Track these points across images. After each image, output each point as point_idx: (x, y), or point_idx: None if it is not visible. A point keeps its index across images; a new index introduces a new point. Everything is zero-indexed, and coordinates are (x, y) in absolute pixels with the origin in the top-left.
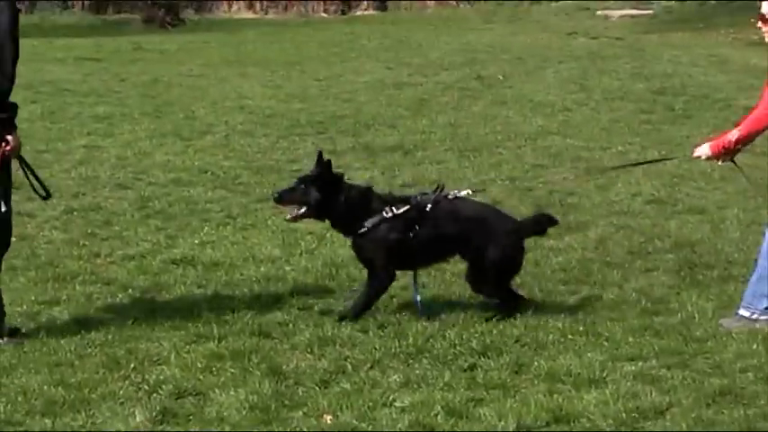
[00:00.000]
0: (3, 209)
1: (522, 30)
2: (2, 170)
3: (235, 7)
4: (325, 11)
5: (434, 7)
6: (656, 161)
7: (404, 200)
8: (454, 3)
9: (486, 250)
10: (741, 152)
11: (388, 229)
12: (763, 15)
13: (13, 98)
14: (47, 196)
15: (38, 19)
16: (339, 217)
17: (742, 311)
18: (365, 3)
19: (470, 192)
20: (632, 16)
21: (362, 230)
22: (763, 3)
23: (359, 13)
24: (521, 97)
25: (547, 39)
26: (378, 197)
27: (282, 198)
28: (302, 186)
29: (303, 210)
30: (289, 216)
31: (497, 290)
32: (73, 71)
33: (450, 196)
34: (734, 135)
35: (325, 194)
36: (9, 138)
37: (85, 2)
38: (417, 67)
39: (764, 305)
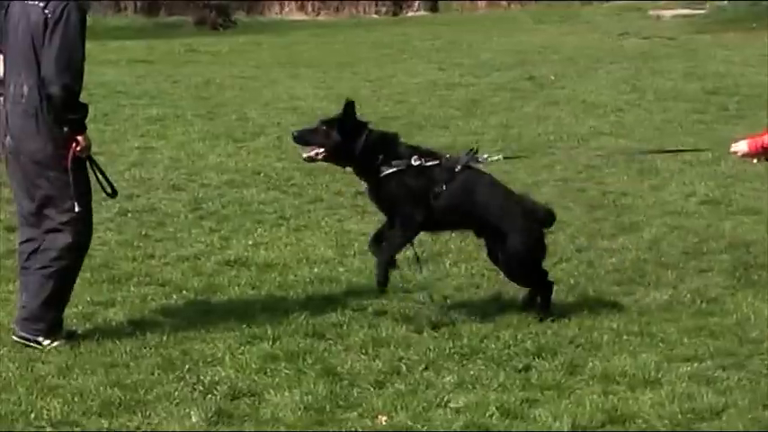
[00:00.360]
0: (76, 209)
1: (573, 30)
2: (76, 171)
3: (286, 9)
4: (377, 12)
5: (485, 8)
6: (686, 151)
7: (433, 155)
8: (505, 3)
9: (504, 236)
10: None
11: (414, 176)
12: None
13: (80, 99)
14: (113, 194)
15: (90, 21)
16: (361, 160)
17: None
18: (416, 4)
19: (502, 157)
20: (684, 16)
21: (387, 173)
22: None
23: (410, 14)
24: (572, 98)
25: (598, 39)
26: (405, 144)
27: (301, 138)
28: (323, 128)
29: (321, 151)
30: (305, 155)
31: (524, 278)
32: (126, 73)
33: (481, 160)
34: None
35: (346, 138)
36: (80, 138)
37: (137, 4)
38: (469, 67)
39: None
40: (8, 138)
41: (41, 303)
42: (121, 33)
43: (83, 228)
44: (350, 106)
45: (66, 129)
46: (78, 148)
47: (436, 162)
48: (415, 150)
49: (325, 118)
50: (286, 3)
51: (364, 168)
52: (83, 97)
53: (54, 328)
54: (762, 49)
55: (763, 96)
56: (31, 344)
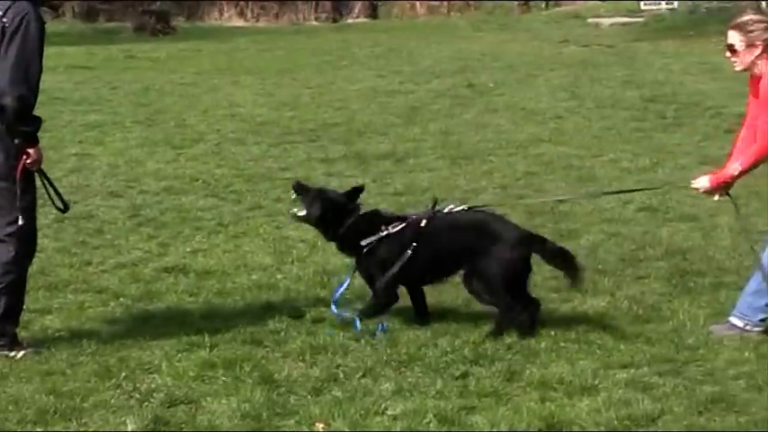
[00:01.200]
0: (20, 222)
1: (513, 38)
2: (24, 183)
3: (225, 15)
4: (317, 18)
5: (425, 15)
6: (647, 189)
7: (401, 218)
8: (445, 11)
9: (487, 258)
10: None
11: (383, 247)
12: (731, 46)
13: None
14: (65, 209)
15: None
16: (342, 241)
17: (735, 320)
18: (356, 10)
19: (465, 208)
20: (623, 24)
21: (362, 251)
22: (729, 32)
23: (350, 20)
24: (512, 105)
25: (538, 47)
26: (377, 218)
27: (298, 189)
28: (315, 194)
29: (302, 214)
30: (292, 212)
31: (498, 298)
32: (64, 80)
33: (445, 211)
34: (735, 169)
35: (328, 216)
36: (31, 151)
37: (76, 10)
38: (409, 74)
39: (760, 317)
40: None
41: None
42: (60, 39)
43: (26, 240)
44: (352, 192)
45: (17, 140)
46: (29, 161)
47: (402, 225)
48: (385, 221)
49: (323, 188)
50: (225, 9)
51: (347, 248)
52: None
53: (16, 338)
54: (700, 56)
55: (701, 104)
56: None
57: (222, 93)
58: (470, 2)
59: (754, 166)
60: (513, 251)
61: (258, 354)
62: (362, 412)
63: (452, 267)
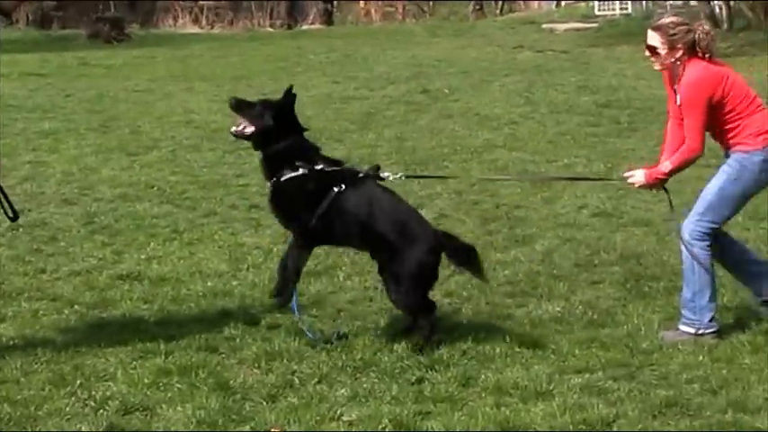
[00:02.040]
0: None
1: (468, 44)
2: None
3: (180, 21)
4: (272, 25)
5: (380, 21)
6: (582, 179)
7: (336, 164)
8: (400, 17)
9: (400, 256)
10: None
11: (304, 182)
12: (653, 47)
13: None
14: (14, 218)
15: None
16: (272, 155)
17: (685, 328)
18: (311, 17)
19: (403, 177)
20: (577, 29)
21: (281, 179)
22: (650, 33)
23: (305, 27)
24: (467, 111)
25: (493, 52)
26: (319, 155)
27: (238, 107)
28: (259, 108)
29: (251, 129)
30: (234, 129)
31: (410, 301)
32: (18, 87)
33: (384, 176)
34: (667, 167)
35: (276, 126)
36: None
37: (30, 17)
38: (364, 81)
39: (707, 317)
40: None
41: None
42: (13, 46)
43: None
44: (291, 97)
45: None
46: None
47: (332, 168)
48: (319, 160)
49: (266, 99)
50: (180, 16)
51: (268, 166)
52: None
53: None
54: None
55: (655, 109)
56: None
57: (177, 99)
58: (425, 0)
59: (684, 166)
60: (428, 254)
61: (213, 360)
62: (318, 418)
63: (354, 241)
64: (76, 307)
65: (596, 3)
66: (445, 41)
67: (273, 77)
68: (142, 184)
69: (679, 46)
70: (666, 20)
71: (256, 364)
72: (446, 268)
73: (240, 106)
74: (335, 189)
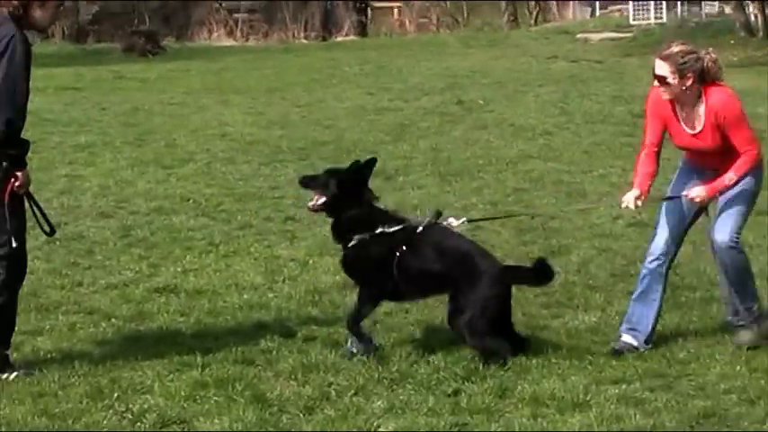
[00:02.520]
0: (13, 244)
1: (503, 54)
2: (13, 206)
3: (215, 34)
4: (306, 37)
5: (415, 33)
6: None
7: (400, 220)
8: (434, 28)
9: (468, 291)
10: None
11: (368, 247)
12: (662, 77)
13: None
14: (51, 232)
15: None
16: (339, 224)
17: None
18: (345, 28)
19: (466, 221)
20: (611, 39)
21: (352, 244)
22: (658, 62)
23: (339, 39)
24: (501, 121)
25: (527, 63)
26: (383, 216)
27: (305, 183)
28: (326, 176)
29: (323, 200)
30: (310, 204)
31: (477, 337)
32: (54, 101)
33: (446, 223)
34: (731, 179)
35: (343, 194)
36: (19, 174)
37: (65, 31)
38: (398, 92)
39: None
40: None
41: None
42: (49, 60)
43: (18, 263)
44: (359, 167)
45: (5, 164)
46: (17, 184)
47: (398, 228)
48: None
49: (331, 167)
50: (215, 28)
51: (338, 233)
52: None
53: (7, 360)
54: None
55: None
56: None
57: (211, 112)
58: (459, 10)
59: (748, 173)
60: (492, 288)
61: (250, 373)
62: (355, 430)
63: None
64: (113, 320)
65: (631, 12)
66: (479, 52)
67: (308, 89)
68: (178, 196)
69: (689, 75)
70: (675, 48)
71: (293, 377)
72: None
73: (307, 182)
74: (398, 253)
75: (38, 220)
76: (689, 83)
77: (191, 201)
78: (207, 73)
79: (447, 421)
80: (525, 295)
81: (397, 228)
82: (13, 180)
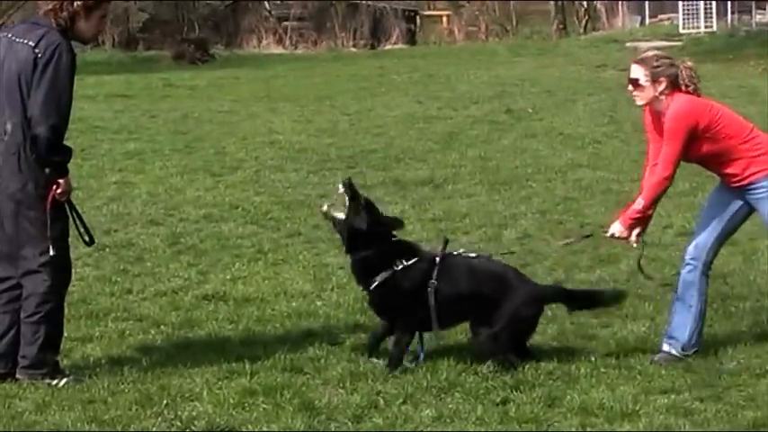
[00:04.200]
0: (51, 252)
1: (552, 63)
2: (54, 213)
3: (264, 42)
4: (355, 45)
5: (463, 41)
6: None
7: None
8: (483, 36)
9: (500, 311)
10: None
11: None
12: (635, 80)
13: (65, 142)
14: (90, 242)
15: None
16: (357, 264)
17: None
18: (394, 37)
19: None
20: (661, 48)
21: (373, 285)
22: (633, 66)
23: (388, 47)
24: (550, 130)
25: (576, 71)
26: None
27: (348, 187)
28: (362, 206)
29: (339, 217)
30: (324, 207)
31: (500, 349)
32: (104, 108)
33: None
34: (640, 203)
35: (367, 231)
36: (61, 181)
37: (116, 39)
38: (447, 100)
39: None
40: None
41: (39, 349)
42: (99, 68)
43: (60, 268)
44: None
45: (48, 170)
46: (59, 191)
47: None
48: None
49: (370, 198)
50: (264, 36)
51: (357, 276)
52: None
53: (57, 366)
54: (739, 80)
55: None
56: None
57: (261, 120)
58: (508, 18)
59: (657, 198)
60: (527, 308)
61: (298, 381)
62: None
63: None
64: (162, 327)
65: (681, 21)
66: (528, 60)
67: (356, 97)
68: (227, 204)
69: (662, 79)
70: (650, 53)
71: (341, 385)
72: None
73: (352, 186)
74: (429, 287)
75: (78, 230)
76: (661, 87)
77: (239, 208)
78: (256, 81)
79: (495, 430)
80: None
81: (413, 261)
82: (54, 187)
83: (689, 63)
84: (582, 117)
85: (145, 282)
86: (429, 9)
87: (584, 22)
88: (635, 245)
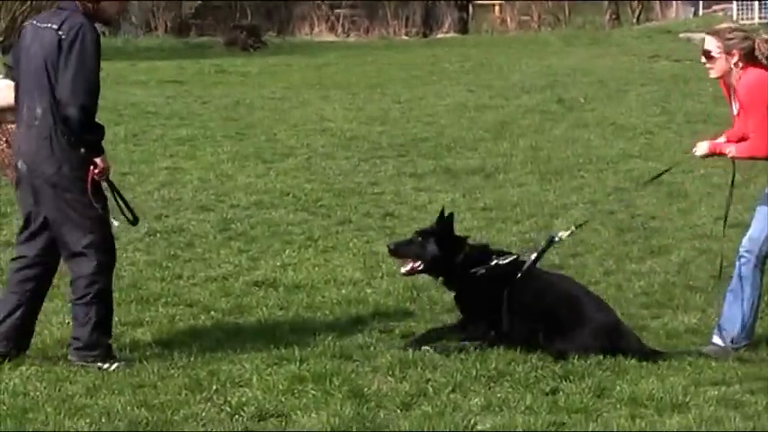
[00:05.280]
0: (91, 234)
1: (604, 53)
2: (94, 194)
3: (316, 29)
4: (407, 33)
5: (516, 30)
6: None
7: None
8: (535, 26)
9: (568, 334)
10: None
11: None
12: (708, 52)
13: (96, 120)
14: (134, 221)
15: (121, 42)
16: (455, 275)
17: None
18: (446, 25)
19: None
20: None
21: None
22: (707, 37)
23: (440, 35)
24: (602, 120)
25: (629, 62)
26: (490, 253)
27: (398, 251)
28: (420, 240)
29: (419, 264)
30: (403, 270)
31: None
32: (156, 94)
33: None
34: (731, 152)
35: (444, 251)
36: (98, 160)
37: (168, 24)
38: (498, 89)
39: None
40: (20, 162)
41: (92, 330)
42: (152, 54)
43: (105, 249)
44: (448, 220)
45: (83, 150)
46: (96, 171)
47: (511, 259)
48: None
49: (421, 229)
50: (316, 24)
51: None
52: (112, 117)
53: (110, 349)
54: None
55: None
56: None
57: (312, 107)
58: (560, 8)
59: (745, 158)
60: (596, 340)
61: (348, 368)
62: (452, 427)
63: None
64: (212, 313)
65: (735, 11)
66: (580, 50)
67: (408, 86)
68: (277, 191)
69: (734, 51)
70: (723, 25)
71: (390, 372)
72: (581, 278)
73: (401, 251)
74: (505, 291)
75: (121, 210)
76: (734, 59)
77: (290, 195)
78: (308, 68)
79: (544, 420)
80: (625, 295)
81: (511, 258)
82: (92, 168)
83: (765, 36)
84: (634, 107)
85: (195, 267)
86: None
87: (637, 12)
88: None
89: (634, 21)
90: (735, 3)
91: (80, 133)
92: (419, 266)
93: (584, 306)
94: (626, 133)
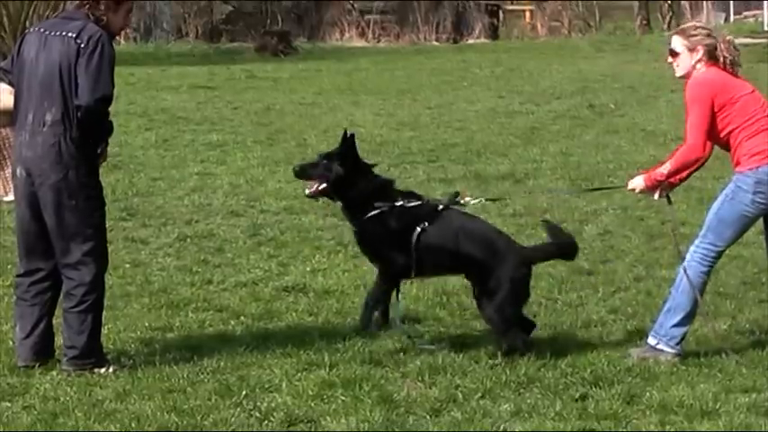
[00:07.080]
0: (93, 241)
1: (635, 58)
2: (95, 202)
3: (347, 35)
4: (437, 39)
5: (546, 36)
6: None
7: (418, 197)
8: (565, 32)
9: (492, 275)
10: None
11: (393, 219)
12: (673, 50)
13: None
14: None
15: (152, 48)
16: (353, 198)
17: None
18: (477, 31)
19: (484, 200)
20: (745, 45)
21: (371, 214)
22: (672, 37)
23: (470, 41)
24: (633, 126)
25: (659, 68)
26: (396, 190)
27: (303, 172)
28: (324, 162)
29: (324, 185)
30: (308, 191)
31: (500, 320)
32: (187, 99)
33: (463, 202)
34: (666, 168)
35: (346, 170)
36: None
37: (199, 31)
38: (529, 95)
39: (673, 339)
40: (19, 168)
41: (87, 339)
42: (183, 59)
43: (101, 255)
44: (350, 140)
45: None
46: (99, 151)
47: (419, 203)
48: (402, 194)
49: (325, 152)
50: (347, 29)
51: (353, 208)
52: (143, 123)
53: (103, 355)
54: None
55: None
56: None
57: (342, 113)
58: (591, 13)
59: (683, 167)
60: (518, 269)
61: (377, 374)
62: None
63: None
64: (242, 318)
65: (766, 18)
66: (611, 56)
67: (438, 91)
68: None
69: (698, 47)
70: (688, 24)
71: (420, 378)
72: (611, 285)
73: (305, 171)
74: (419, 228)
75: None
76: (697, 56)
77: (320, 201)
78: (338, 73)
79: (574, 426)
80: (655, 301)
81: (417, 203)
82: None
83: (729, 37)
84: (664, 114)
85: (225, 272)
86: (512, 3)
87: (667, 18)
88: (656, 198)
89: (665, 26)
90: (766, 9)
91: (98, 122)
92: (323, 187)
93: (500, 244)
94: (656, 139)
